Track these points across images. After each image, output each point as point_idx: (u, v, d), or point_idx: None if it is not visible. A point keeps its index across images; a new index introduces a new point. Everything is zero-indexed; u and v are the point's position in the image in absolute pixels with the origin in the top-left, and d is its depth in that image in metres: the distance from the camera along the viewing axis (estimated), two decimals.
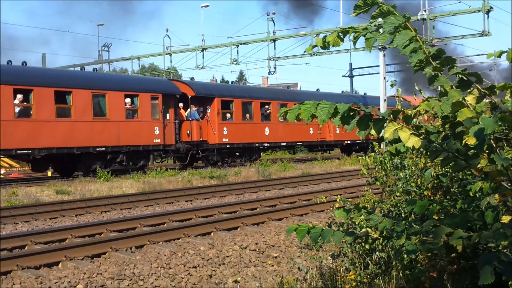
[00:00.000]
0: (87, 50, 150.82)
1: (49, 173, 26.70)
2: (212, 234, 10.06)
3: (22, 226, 11.60)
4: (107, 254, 8.50)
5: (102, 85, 24.63)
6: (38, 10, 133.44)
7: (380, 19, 3.12)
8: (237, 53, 40.17)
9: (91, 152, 23.43)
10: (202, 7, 47.79)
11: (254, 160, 31.47)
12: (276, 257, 8.40)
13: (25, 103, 21.60)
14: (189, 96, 28.20)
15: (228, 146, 29.53)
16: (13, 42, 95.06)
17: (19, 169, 33.09)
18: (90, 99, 23.53)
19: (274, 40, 38.95)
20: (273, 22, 38.93)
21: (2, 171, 29.84)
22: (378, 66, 36.49)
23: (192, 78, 31.54)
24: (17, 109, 21.33)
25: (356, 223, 5.48)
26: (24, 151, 21.38)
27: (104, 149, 23.73)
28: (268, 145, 32.44)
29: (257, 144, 31.45)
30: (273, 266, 7.96)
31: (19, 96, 21.43)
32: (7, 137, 20.51)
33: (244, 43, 39.98)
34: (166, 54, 43.66)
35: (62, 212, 13.12)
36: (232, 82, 44.27)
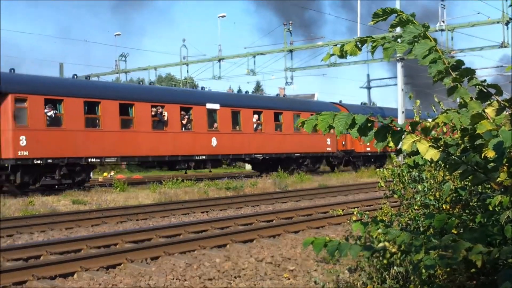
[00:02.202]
0: (104, 60, 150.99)
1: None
2: (227, 246, 10.01)
3: (38, 236, 11.64)
4: (122, 265, 8.49)
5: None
6: (51, 18, 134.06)
7: (397, 29, 3.07)
8: (254, 63, 40.18)
9: (291, 157, 32.58)
10: (219, 17, 47.86)
11: (382, 165, 37.94)
12: (292, 270, 8.32)
13: (259, 121, 31.39)
14: None
15: (369, 154, 38.78)
16: (17, 51, 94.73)
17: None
18: (292, 117, 32.55)
19: (291, 51, 38.90)
20: (290, 32, 38.86)
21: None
22: (395, 77, 36.40)
23: (202, 88, 33.91)
24: (254, 125, 31.06)
25: (374, 236, 5.40)
26: (258, 155, 30.81)
27: (299, 154, 33.13)
28: (392, 153, 39.61)
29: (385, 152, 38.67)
30: (289, 279, 7.87)
31: (255, 116, 31.21)
32: (250, 145, 30.05)
33: (261, 54, 39.94)
34: (183, 64, 43.80)
35: (78, 222, 13.15)
36: (252, 92, 44.82)
